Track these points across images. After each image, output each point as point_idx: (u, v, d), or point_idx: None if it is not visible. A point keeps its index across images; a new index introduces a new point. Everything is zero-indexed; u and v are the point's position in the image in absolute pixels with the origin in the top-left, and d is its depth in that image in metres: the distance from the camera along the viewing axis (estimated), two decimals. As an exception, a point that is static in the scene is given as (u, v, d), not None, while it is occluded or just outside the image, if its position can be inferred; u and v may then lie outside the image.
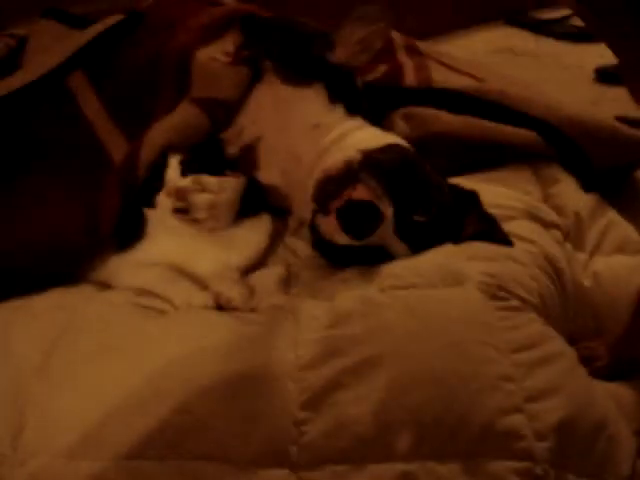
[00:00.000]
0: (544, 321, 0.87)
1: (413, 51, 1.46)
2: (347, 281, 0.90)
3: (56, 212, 0.95)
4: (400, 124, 1.21)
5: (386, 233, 0.89)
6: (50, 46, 1.10)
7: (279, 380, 0.75)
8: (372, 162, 0.90)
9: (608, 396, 0.83)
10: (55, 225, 0.95)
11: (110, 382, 0.76)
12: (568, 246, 1.06)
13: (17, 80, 1.04)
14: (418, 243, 0.92)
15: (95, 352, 0.80)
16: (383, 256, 0.91)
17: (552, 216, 1.07)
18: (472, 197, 1.01)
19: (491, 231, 0.97)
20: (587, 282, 1.03)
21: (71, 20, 1.19)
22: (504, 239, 0.96)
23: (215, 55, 1.07)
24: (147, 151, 0.99)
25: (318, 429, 0.73)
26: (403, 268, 0.90)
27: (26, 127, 1.01)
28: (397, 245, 0.91)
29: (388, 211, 0.88)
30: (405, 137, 1.14)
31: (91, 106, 1.02)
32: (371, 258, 0.91)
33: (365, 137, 1.02)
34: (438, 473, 0.71)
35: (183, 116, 1.02)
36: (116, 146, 0.99)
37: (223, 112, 1.04)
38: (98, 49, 1.07)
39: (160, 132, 1.00)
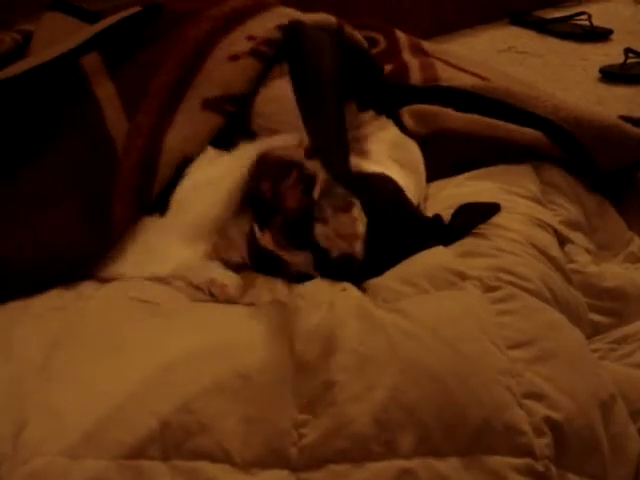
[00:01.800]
0: (547, 306, 0.87)
1: (418, 50, 1.46)
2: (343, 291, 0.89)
3: (59, 211, 0.93)
4: (406, 121, 1.21)
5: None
6: (61, 38, 1.08)
7: (278, 383, 0.75)
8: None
9: (615, 389, 0.83)
10: (58, 226, 0.92)
11: (111, 381, 0.75)
12: (570, 247, 1.06)
13: (27, 63, 1.01)
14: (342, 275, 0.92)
15: (96, 351, 0.80)
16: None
17: (546, 216, 1.07)
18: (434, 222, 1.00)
19: (473, 213, 0.99)
20: (594, 280, 1.02)
21: (80, 13, 1.18)
22: (488, 207, 0.98)
23: (238, 40, 1.05)
24: (166, 163, 0.95)
25: (317, 431, 0.72)
26: (394, 280, 0.90)
27: (33, 111, 0.98)
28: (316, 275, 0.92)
29: (296, 258, 0.90)
30: (411, 133, 1.14)
31: (104, 90, 0.99)
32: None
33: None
34: (438, 469, 0.71)
35: (200, 124, 0.99)
36: (121, 134, 0.97)
37: (234, 107, 1.01)
38: (115, 36, 1.05)
39: (180, 144, 0.97)
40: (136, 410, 0.72)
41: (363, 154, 1.03)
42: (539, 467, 0.72)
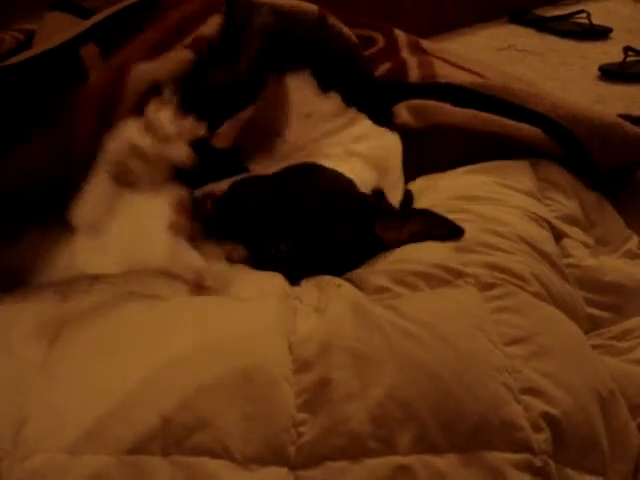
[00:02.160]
0: (543, 302, 0.88)
1: (416, 49, 1.46)
2: (339, 287, 0.90)
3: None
4: (404, 115, 1.21)
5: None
6: (60, 33, 1.09)
7: (276, 382, 0.75)
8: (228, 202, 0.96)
9: (614, 385, 0.83)
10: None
11: (112, 378, 0.76)
12: (566, 241, 1.06)
13: (28, 53, 1.01)
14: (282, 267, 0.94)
15: (96, 347, 0.80)
16: None
17: (541, 210, 1.07)
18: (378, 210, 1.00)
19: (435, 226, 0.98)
20: (592, 274, 1.03)
21: (81, 12, 1.19)
22: (454, 229, 0.97)
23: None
24: (134, 83, 0.96)
25: (315, 429, 0.73)
26: (388, 278, 0.90)
27: (32, 101, 0.98)
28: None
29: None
30: (408, 127, 1.14)
31: None
32: None
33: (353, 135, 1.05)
34: (435, 466, 0.71)
35: (172, 55, 1.00)
36: None
37: (207, 48, 1.02)
38: (111, 27, 1.06)
39: (149, 68, 0.97)
40: (137, 406, 0.73)
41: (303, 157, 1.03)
42: (537, 462, 0.72)
